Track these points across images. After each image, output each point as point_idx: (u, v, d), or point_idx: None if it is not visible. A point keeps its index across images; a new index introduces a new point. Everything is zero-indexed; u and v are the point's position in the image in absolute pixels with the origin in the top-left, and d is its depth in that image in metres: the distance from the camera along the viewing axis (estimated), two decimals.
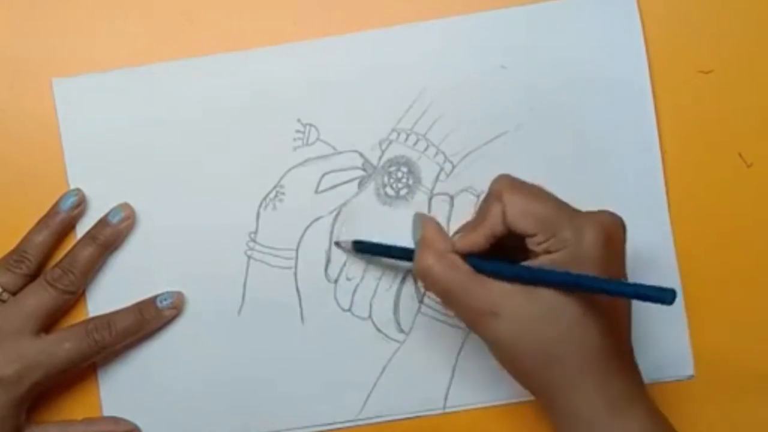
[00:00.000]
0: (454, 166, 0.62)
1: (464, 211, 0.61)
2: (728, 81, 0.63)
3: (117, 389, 0.61)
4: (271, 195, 0.62)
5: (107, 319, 0.60)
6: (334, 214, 0.62)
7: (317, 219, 0.62)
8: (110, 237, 0.61)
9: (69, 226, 0.61)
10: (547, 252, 0.52)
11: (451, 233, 0.61)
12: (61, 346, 0.58)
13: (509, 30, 0.63)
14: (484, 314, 0.52)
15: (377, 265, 0.62)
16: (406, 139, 0.62)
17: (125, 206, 0.61)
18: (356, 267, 0.62)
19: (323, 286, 0.62)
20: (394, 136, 0.62)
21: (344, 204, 0.62)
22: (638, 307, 0.53)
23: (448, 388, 0.61)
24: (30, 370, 0.57)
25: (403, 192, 0.62)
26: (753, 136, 0.63)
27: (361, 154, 0.62)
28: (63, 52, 0.63)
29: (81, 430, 0.60)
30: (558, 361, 0.51)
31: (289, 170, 0.62)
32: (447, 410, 0.61)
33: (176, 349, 0.61)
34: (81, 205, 0.61)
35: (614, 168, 0.62)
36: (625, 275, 0.54)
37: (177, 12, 0.63)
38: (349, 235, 0.62)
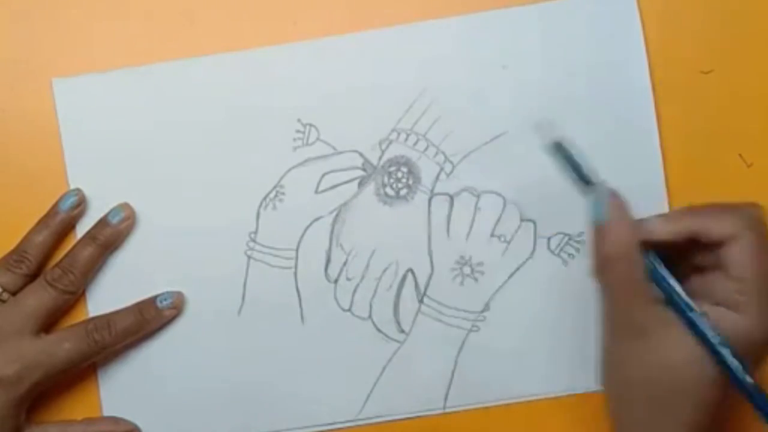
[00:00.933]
0: (454, 166, 0.62)
1: (464, 211, 0.62)
2: (728, 81, 0.63)
3: (117, 389, 0.61)
4: (271, 195, 0.62)
5: (107, 320, 0.60)
6: (334, 214, 0.62)
7: (317, 219, 0.62)
8: (110, 237, 0.61)
9: (69, 226, 0.61)
10: (734, 306, 0.49)
11: (450, 234, 0.62)
12: (61, 346, 0.58)
13: (509, 30, 0.63)
14: (637, 331, 0.49)
15: (378, 265, 0.62)
16: (406, 139, 0.62)
17: (125, 206, 0.61)
18: (356, 267, 0.62)
19: (323, 286, 0.62)
20: (394, 136, 0.62)
21: (344, 204, 0.62)
22: None
23: (448, 388, 0.61)
24: (30, 370, 0.57)
25: (403, 192, 0.62)
26: (753, 136, 0.63)
27: (361, 154, 0.62)
28: (63, 52, 0.63)
29: (81, 430, 0.60)
30: (669, 413, 0.49)
31: (289, 170, 0.62)
32: (447, 410, 0.61)
33: (176, 349, 0.61)
34: (81, 205, 0.61)
35: (614, 168, 0.62)
36: None
37: (177, 12, 0.63)
38: (348, 235, 0.62)
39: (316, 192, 0.62)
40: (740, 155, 0.63)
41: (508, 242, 0.62)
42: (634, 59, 0.62)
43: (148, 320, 0.61)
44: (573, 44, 0.62)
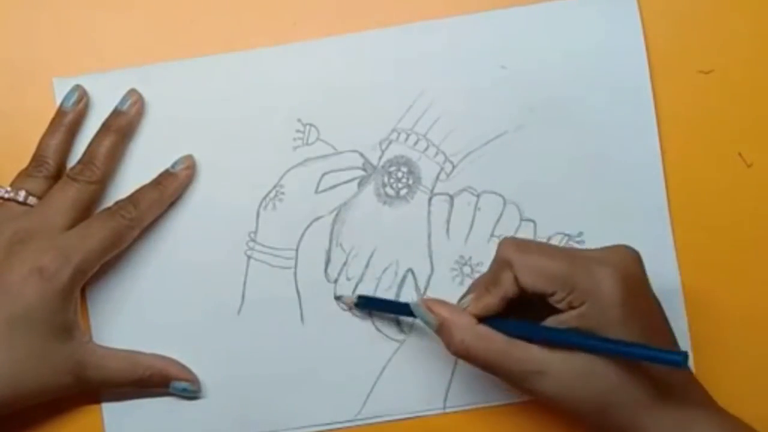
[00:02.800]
0: (454, 166, 0.62)
1: (464, 211, 0.62)
2: (728, 81, 0.63)
3: (119, 391, 0.61)
4: (271, 195, 0.62)
5: (129, 198, 0.60)
6: (334, 214, 0.62)
7: (317, 219, 0.62)
8: (124, 124, 0.61)
9: (78, 124, 0.62)
10: (571, 307, 0.52)
11: (450, 234, 0.62)
12: (90, 228, 0.59)
13: (510, 30, 0.63)
14: (530, 375, 0.53)
15: (377, 265, 0.62)
16: (407, 139, 0.62)
17: (132, 92, 0.62)
18: (356, 267, 0.62)
19: (323, 286, 0.62)
20: (394, 136, 0.62)
21: (344, 204, 0.62)
22: None
23: (448, 388, 0.61)
24: (66, 257, 0.57)
25: (403, 192, 0.62)
26: (753, 136, 0.63)
27: (361, 154, 0.62)
28: (63, 52, 0.63)
29: (149, 361, 0.61)
30: (613, 408, 0.52)
31: (289, 170, 0.62)
32: (447, 410, 0.61)
33: (176, 349, 0.61)
34: (83, 99, 0.62)
35: (614, 168, 0.62)
36: (656, 309, 0.54)
37: (177, 12, 0.63)
38: (348, 235, 0.62)
39: (316, 192, 0.62)
40: (740, 155, 0.63)
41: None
42: (634, 59, 0.62)
43: (167, 186, 0.61)
44: (573, 44, 0.62)
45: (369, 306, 0.61)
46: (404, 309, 0.58)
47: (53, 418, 0.61)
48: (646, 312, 0.53)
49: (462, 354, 0.54)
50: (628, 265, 0.53)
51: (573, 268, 0.52)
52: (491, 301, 0.54)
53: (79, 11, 0.63)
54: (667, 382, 0.52)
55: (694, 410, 0.53)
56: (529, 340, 0.53)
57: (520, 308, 0.54)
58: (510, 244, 0.54)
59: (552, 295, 0.52)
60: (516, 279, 0.53)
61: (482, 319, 0.54)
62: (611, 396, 0.52)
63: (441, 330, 0.55)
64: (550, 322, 0.53)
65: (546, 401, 0.53)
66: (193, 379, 0.61)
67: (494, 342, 0.54)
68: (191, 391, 0.61)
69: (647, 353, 0.50)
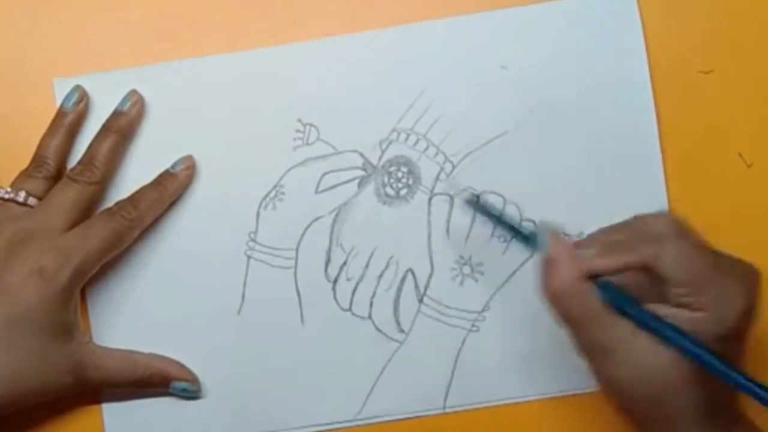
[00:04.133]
0: (454, 166, 0.62)
1: (464, 212, 0.61)
2: (728, 81, 0.63)
3: (119, 392, 0.61)
4: (271, 195, 0.62)
5: (129, 198, 0.60)
6: (334, 214, 0.62)
7: (317, 219, 0.62)
8: (124, 124, 0.61)
9: (78, 124, 0.62)
10: (687, 307, 0.49)
11: (450, 234, 0.62)
12: (91, 228, 0.59)
13: (510, 30, 0.63)
14: (603, 350, 0.50)
15: (377, 265, 0.62)
16: (407, 139, 0.62)
17: (132, 93, 0.62)
18: (356, 267, 0.62)
19: (323, 286, 0.62)
20: (394, 136, 0.62)
21: (344, 204, 0.62)
22: None
23: (448, 388, 0.61)
24: (67, 257, 0.57)
25: (403, 192, 0.62)
26: (753, 136, 0.63)
27: (362, 154, 0.62)
28: (63, 52, 0.63)
29: (146, 361, 0.61)
30: (664, 412, 0.50)
31: (289, 170, 0.62)
32: (447, 410, 0.61)
33: (176, 349, 0.61)
34: (83, 99, 0.62)
35: (614, 168, 0.62)
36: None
37: (177, 12, 0.63)
38: (348, 235, 0.62)
39: (316, 192, 0.62)
40: (740, 155, 0.63)
41: (508, 242, 0.62)
42: (634, 59, 0.62)
43: (167, 187, 0.61)
44: (573, 44, 0.62)
45: (480, 209, 0.56)
46: (517, 229, 0.54)
47: (53, 418, 0.61)
48: (745, 345, 0.51)
49: (552, 299, 0.51)
50: (756, 284, 0.51)
51: (714, 271, 0.50)
52: (613, 264, 0.51)
53: (79, 11, 0.63)
54: (724, 399, 0.51)
55: None
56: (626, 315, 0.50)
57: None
58: (672, 221, 0.51)
59: (679, 287, 0.50)
60: (658, 259, 0.50)
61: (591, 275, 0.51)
62: (672, 397, 0.49)
63: (546, 264, 0.52)
64: (655, 308, 0.50)
65: (606, 385, 0.51)
66: (193, 379, 0.61)
67: (590, 303, 0.50)
68: (191, 391, 0.61)
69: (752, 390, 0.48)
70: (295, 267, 0.62)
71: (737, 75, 0.63)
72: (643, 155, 0.62)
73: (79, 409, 0.62)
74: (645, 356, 0.50)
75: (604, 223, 0.61)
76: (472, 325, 0.61)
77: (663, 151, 0.62)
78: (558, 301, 0.51)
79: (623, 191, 0.62)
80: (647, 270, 0.50)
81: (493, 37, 0.62)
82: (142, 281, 0.62)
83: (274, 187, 0.62)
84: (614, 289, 0.51)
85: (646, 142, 0.62)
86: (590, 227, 0.61)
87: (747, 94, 0.63)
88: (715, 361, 0.49)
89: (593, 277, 0.51)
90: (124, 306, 0.62)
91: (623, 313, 0.50)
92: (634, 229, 0.52)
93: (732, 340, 0.50)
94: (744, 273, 0.51)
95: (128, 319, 0.62)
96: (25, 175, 0.61)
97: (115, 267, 0.62)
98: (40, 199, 0.60)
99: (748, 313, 0.50)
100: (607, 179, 0.62)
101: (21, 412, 0.58)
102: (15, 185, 0.60)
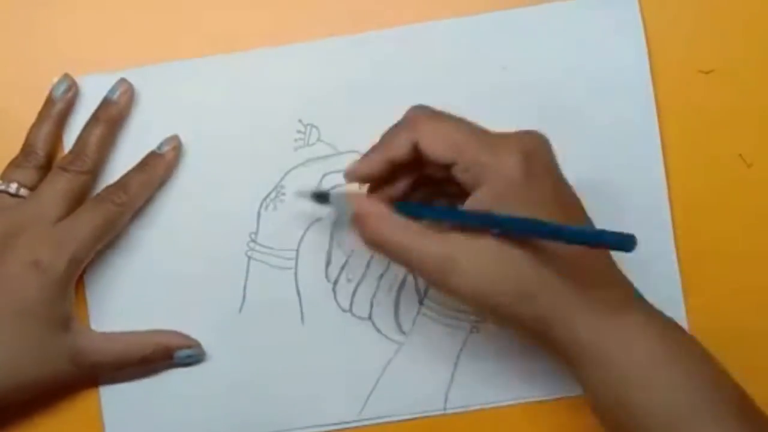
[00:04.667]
0: None
1: None
2: (728, 81, 0.63)
3: (118, 390, 0.61)
4: (272, 195, 0.62)
5: (118, 183, 0.60)
6: (335, 214, 0.62)
7: (318, 219, 0.62)
8: (114, 113, 0.61)
9: (66, 113, 0.62)
10: (474, 183, 0.51)
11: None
12: (82, 217, 0.59)
13: (510, 31, 0.63)
14: (443, 265, 0.50)
15: (378, 266, 0.62)
16: None
17: (122, 82, 0.62)
18: (356, 267, 0.62)
19: (323, 287, 0.62)
20: None
21: None
22: None
23: (449, 389, 0.61)
24: (61, 248, 0.57)
25: None
26: (753, 136, 0.63)
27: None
28: (63, 52, 0.63)
29: (146, 338, 0.61)
30: (530, 298, 0.50)
31: (290, 170, 0.62)
32: (447, 411, 0.61)
33: None
34: (72, 89, 0.62)
35: (614, 168, 0.62)
36: (566, 193, 0.53)
37: (177, 12, 0.63)
38: (349, 236, 0.62)
39: None
40: (740, 155, 0.63)
41: None
42: (635, 59, 0.62)
43: (155, 167, 0.61)
44: (574, 45, 0.62)
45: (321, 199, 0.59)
46: (326, 199, 0.58)
47: (50, 404, 0.61)
48: (551, 197, 0.51)
49: (376, 243, 0.52)
50: (531, 147, 0.52)
51: (477, 141, 0.51)
52: (378, 158, 0.53)
53: (79, 11, 0.63)
54: (585, 268, 0.50)
55: (622, 305, 0.51)
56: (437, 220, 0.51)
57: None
58: (422, 108, 0.53)
59: (453, 165, 0.51)
60: (417, 142, 0.52)
61: (397, 208, 0.53)
62: (526, 284, 0.49)
63: (355, 220, 0.53)
64: (465, 206, 0.51)
65: (464, 300, 0.51)
66: (195, 344, 0.61)
67: (409, 230, 0.52)
68: (196, 356, 0.61)
69: (591, 236, 0.48)
70: (296, 267, 0.62)
71: (737, 75, 0.63)
72: (643, 155, 0.62)
73: (77, 394, 0.62)
74: (485, 251, 0.50)
75: (604, 223, 0.61)
76: (473, 327, 0.61)
77: (663, 151, 0.62)
78: (382, 246, 0.52)
79: (623, 191, 0.62)
80: (418, 164, 0.52)
81: (493, 38, 0.62)
82: (143, 282, 0.62)
83: (275, 187, 0.62)
84: (410, 203, 0.53)
85: (647, 142, 0.62)
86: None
87: (747, 94, 0.63)
88: (515, 222, 0.49)
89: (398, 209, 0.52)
90: (125, 307, 0.62)
91: (434, 222, 0.51)
92: (393, 127, 0.54)
93: (532, 195, 0.50)
94: (513, 136, 0.52)
95: (128, 320, 0.61)
96: (14, 165, 0.61)
97: (116, 267, 0.62)
98: (31, 189, 0.60)
99: (528, 168, 0.50)
100: (608, 179, 0.62)
101: (21, 402, 0.59)
102: (5, 176, 0.60)
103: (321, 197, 0.58)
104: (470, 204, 0.51)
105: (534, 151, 0.52)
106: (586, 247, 0.49)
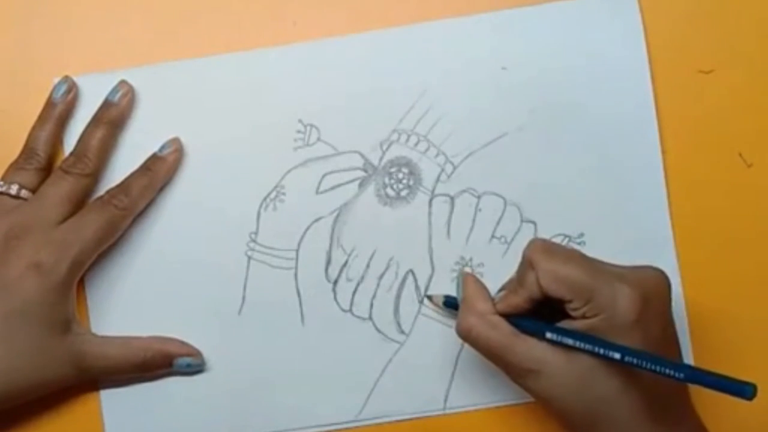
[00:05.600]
0: (455, 167, 0.62)
1: (465, 213, 0.62)
2: (728, 81, 0.63)
3: (118, 393, 0.61)
4: (272, 195, 0.62)
5: (120, 186, 0.60)
6: (335, 214, 0.62)
7: (318, 219, 0.62)
8: (115, 115, 0.61)
9: (67, 115, 0.62)
10: (584, 317, 0.52)
11: (451, 235, 0.62)
12: (84, 220, 0.59)
13: (510, 31, 0.62)
14: (527, 372, 0.53)
15: (378, 266, 0.62)
16: (407, 140, 0.62)
17: (122, 84, 0.62)
18: (357, 268, 0.62)
19: (323, 287, 0.62)
20: (395, 137, 0.62)
21: (345, 205, 0.62)
22: None
23: (448, 389, 0.61)
24: (62, 251, 0.57)
25: (403, 193, 0.62)
26: (753, 136, 0.63)
27: (362, 155, 0.62)
28: (63, 52, 0.63)
29: (145, 344, 0.60)
30: (604, 422, 0.52)
31: (290, 171, 0.62)
32: (447, 411, 0.61)
33: None
34: (73, 90, 0.62)
35: (615, 168, 0.62)
36: (671, 337, 0.54)
37: (177, 12, 0.63)
38: (349, 236, 0.62)
39: (317, 192, 0.62)
40: (740, 155, 0.63)
41: (509, 243, 0.62)
42: (634, 59, 0.62)
43: (157, 171, 0.61)
44: (574, 45, 0.62)
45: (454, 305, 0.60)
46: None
47: (51, 407, 0.61)
48: (659, 339, 0.52)
49: (464, 336, 0.55)
50: (652, 289, 0.53)
51: (594, 279, 0.52)
52: (517, 301, 0.54)
53: (79, 11, 0.63)
54: (665, 401, 0.52)
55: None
56: (541, 338, 0.53)
57: (546, 310, 0.54)
58: (537, 246, 0.54)
59: (569, 302, 0.52)
60: (537, 282, 0.53)
61: (507, 315, 0.55)
62: (607, 406, 0.52)
63: (461, 306, 0.56)
64: (562, 325, 0.53)
65: (542, 402, 0.53)
66: (195, 353, 0.61)
67: (499, 332, 0.54)
68: (195, 365, 0.61)
69: (713, 380, 0.49)
70: (296, 268, 0.62)
71: (737, 75, 0.63)
72: (643, 155, 0.62)
73: (77, 397, 0.62)
74: (569, 367, 0.52)
75: (605, 223, 0.61)
76: None
77: (663, 151, 0.62)
78: (469, 340, 0.55)
79: (623, 192, 0.62)
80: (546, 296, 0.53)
81: (493, 39, 0.62)
82: (142, 282, 0.62)
83: (275, 187, 0.62)
84: (523, 318, 0.54)
85: (647, 142, 0.62)
86: (591, 228, 0.62)
87: (747, 94, 0.63)
88: (624, 353, 0.50)
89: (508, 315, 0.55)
90: (125, 308, 0.62)
91: (534, 335, 0.53)
92: (520, 263, 0.55)
93: (638, 342, 0.51)
94: (633, 275, 0.53)
95: (128, 321, 0.61)
96: (15, 167, 0.61)
97: (116, 267, 0.62)
98: (32, 191, 0.60)
99: (642, 313, 0.51)
100: (608, 180, 0.62)
101: (21, 404, 0.59)
102: (6, 178, 0.60)
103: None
104: (580, 327, 0.52)
105: (653, 294, 0.53)
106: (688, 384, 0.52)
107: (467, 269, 0.61)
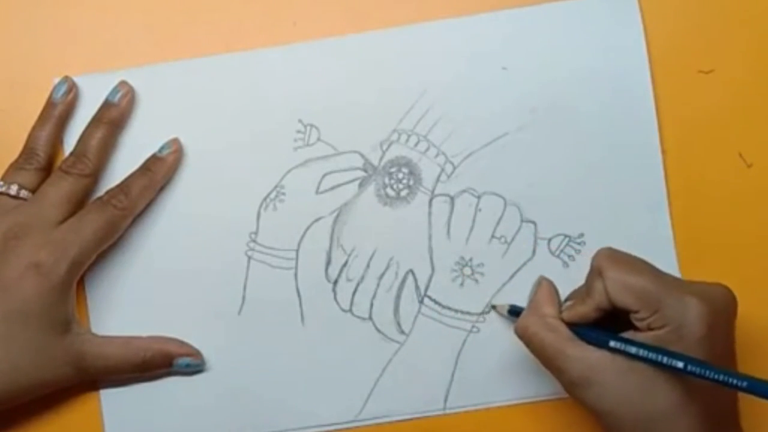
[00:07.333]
0: (455, 167, 0.62)
1: (465, 213, 0.62)
2: (728, 81, 0.63)
3: (118, 392, 0.61)
4: (272, 195, 0.62)
5: (120, 187, 0.60)
6: (335, 214, 0.62)
7: (318, 219, 0.62)
8: (115, 115, 0.61)
9: (67, 115, 0.62)
10: (650, 328, 0.52)
11: (451, 235, 0.62)
12: (84, 220, 0.59)
13: (510, 31, 0.63)
14: (581, 379, 0.52)
15: (378, 266, 0.62)
16: (407, 140, 0.62)
17: (122, 84, 0.62)
18: (357, 268, 0.62)
19: (323, 287, 0.62)
20: (395, 136, 0.62)
21: (345, 204, 0.62)
22: None
23: (448, 389, 0.61)
24: (63, 251, 0.57)
25: (403, 193, 0.62)
26: (753, 136, 0.63)
27: (362, 155, 0.62)
28: (63, 52, 0.63)
29: (146, 344, 0.60)
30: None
31: (290, 170, 0.62)
32: (447, 411, 0.61)
33: None
34: (73, 90, 0.62)
35: (615, 168, 0.62)
36: (733, 354, 0.54)
37: (177, 12, 0.63)
38: (349, 236, 0.62)
39: (317, 192, 0.62)
40: (740, 155, 0.63)
41: (509, 243, 0.62)
42: (634, 59, 0.62)
43: (156, 172, 0.61)
44: (574, 45, 0.62)
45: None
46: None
47: (51, 407, 0.61)
48: (721, 356, 0.52)
49: (520, 334, 0.55)
50: (720, 305, 0.52)
51: (663, 290, 0.52)
52: (585, 310, 0.54)
53: (79, 11, 0.63)
54: (719, 418, 0.52)
55: None
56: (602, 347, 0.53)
57: (612, 321, 0.54)
58: (605, 255, 0.54)
59: (636, 312, 0.52)
60: (606, 290, 0.53)
61: (573, 324, 0.54)
62: (664, 421, 0.51)
63: (527, 306, 0.56)
64: (627, 335, 0.52)
65: (594, 414, 0.52)
66: (195, 353, 0.61)
67: (557, 335, 0.53)
68: (195, 365, 0.61)
69: (748, 384, 0.49)
70: (296, 268, 0.62)
71: (737, 75, 0.63)
72: (643, 155, 0.62)
73: (77, 397, 0.62)
74: (625, 380, 0.51)
75: (605, 224, 0.62)
76: (473, 327, 0.61)
77: (663, 151, 0.62)
78: (525, 336, 0.55)
79: (623, 191, 0.62)
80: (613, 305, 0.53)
81: (493, 38, 0.62)
82: (142, 282, 0.62)
83: (275, 187, 0.62)
84: (585, 326, 0.54)
85: (647, 142, 0.62)
86: (591, 228, 0.62)
87: (747, 94, 0.63)
88: (688, 363, 0.50)
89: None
90: (124, 308, 0.62)
91: (593, 344, 0.53)
92: (589, 272, 0.55)
93: (707, 345, 0.51)
94: (703, 290, 0.53)
95: (128, 321, 0.61)
96: (15, 167, 0.61)
97: (116, 267, 0.62)
98: (32, 191, 0.60)
99: (710, 328, 0.51)
100: (608, 180, 0.62)
101: (21, 404, 0.59)
102: (6, 178, 0.61)
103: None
104: (645, 338, 0.52)
105: (721, 310, 0.52)
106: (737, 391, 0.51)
107: (469, 282, 0.61)
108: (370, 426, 0.61)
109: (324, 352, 0.61)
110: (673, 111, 0.63)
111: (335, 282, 0.62)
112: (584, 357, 0.52)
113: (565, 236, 0.62)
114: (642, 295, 0.52)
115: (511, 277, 0.61)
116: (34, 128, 0.61)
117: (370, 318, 0.62)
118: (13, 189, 0.60)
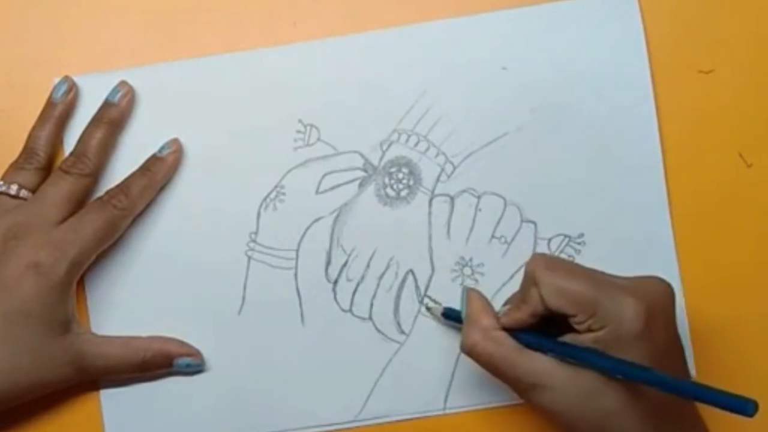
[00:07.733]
0: (455, 167, 0.62)
1: (465, 213, 0.62)
2: (728, 81, 0.63)
3: (118, 392, 0.61)
4: (272, 195, 0.62)
5: (120, 187, 0.60)
6: (335, 214, 0.62)
7: (318, 219, 0.62)
8: (115, 115, 0.61)
9: (67, 115, 0.62)
10: (590, 330, 0.52)
11: (451, 235, 0.62)
12: (84, 220, 0.59)
13: (511, 31, 0.63)
14: (532, 386, 0.52)
15: (378, 266, 0.62)
16: (407, 140, 0.62)
17: (122, 84, 0.62)
18: (357, 268, 0.62)
19: (323, 287, 0.62)
20: (395, 137, 0.62)
21: (345, 205, 0.62)
22: None
23: (448, 389, 0.61)
24: (62, 250, 0.57)
25: (403, 193, 0.62)
26: (753, 136, 0.63)
27: (362, 155, 0.62)
28: (63, 52, 0.63)
29: (145, 344, 0.60)
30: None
31: (290, 170, 0.62)
32: (447, 411, 0.61)
33: None
34: (73, 90, 0.62)
35: (615, 169, 0.62)
36: (677, 345, 0.54)
37: (177, 12, 0.63)
38: (349, 236, 0.62)
39: (317, 192, 0.62)
40: (740, 155, 0.63)
41: (509, 243, 0.62)
42: (634, 60, 0.62)
43: (156, 172, 0.61)
44: (574, 45, 0.62)
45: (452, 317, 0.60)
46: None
47: (51, 407, 0.61)
48: (664, 350, 0.52)
49: (468, 352, 0.55)
50: (656, 299, 0.52)
51: (597, 292, 0.52)
52: (521, 316, 0.54)
53: (79, 11, 0.63)
54: (671, 411, 0.52)
55: None
56: (545, 353, 0.53)
57: (552, 323, 0.54)
58: (539, 261, 0.54)
59: (573, 316, 0.52)
60: (541, 298, 0.53)
61: (512, 330, 0.54)
62: (614, 419, 0.51)
63: (464, 322, 0.56)
64: (567, 339, 0.53)
65: (546, 416, 0.53)
66: (195, 353, 0.61)
67: (504, 347, 0.54)
68: (195, 365, 0.61)
69: (714, 397, 0.48)
70: (296, 268, 0.62)
71: (737, 75, 0.63)
72: (643, 155, 0.62)
73: (77, 396, 0.62)
74: (575, 382, 0.52)
75: (605, 224, 0.61)
76: None
77: (663, 151, 0.62)
78: (474, 353, 0.54)
79: (623, 192, 0.62)
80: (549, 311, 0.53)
81: (493, 38, 0.62)
82: (142, 282, 0.62)
83: (275, 187, 0.62)
84: (527, 333, 0.54)
85: (647, 142, 0.62)
86: (591, 228, 0.62)
87: (747, 94, 0.63)
88: (613, 362, 0.50)
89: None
90: (125, 308, 0.62)
91: (539, 350, 0.53)
92: (523, 278, 0.55)
93: (644, 353, 0.51)
94: (637, 286, 0.53)
95: (128, 321, 0.62)
96: (15, 167, 0.61)
97: (116, 267, 0.62)
98: (32, 191, 0.60)
99: (648, 324, 0.51)
100: (608, 180, 0.62)
101: (21, 404, 0.59)
102: (6, 178, 0.61)
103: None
104: (584, 341, 0.52)
105: (658, 305, 0.52)
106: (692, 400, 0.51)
107: (469, 282, 0.61)
108: (370, 426, 0.61)
109: (324, 352, 0.61)
110: (673, 111, 0.63)
111: (335, 282, 0.62)
112: (533, 365, 0.53)
113: (565, 236, 0.62)
114: (577, 300, 0.52)
115: (511, 277, 0.61)
116: (34, 128, 0.61)
117: (370, 318, 0.62)
118: (13, 189, 0.60)
